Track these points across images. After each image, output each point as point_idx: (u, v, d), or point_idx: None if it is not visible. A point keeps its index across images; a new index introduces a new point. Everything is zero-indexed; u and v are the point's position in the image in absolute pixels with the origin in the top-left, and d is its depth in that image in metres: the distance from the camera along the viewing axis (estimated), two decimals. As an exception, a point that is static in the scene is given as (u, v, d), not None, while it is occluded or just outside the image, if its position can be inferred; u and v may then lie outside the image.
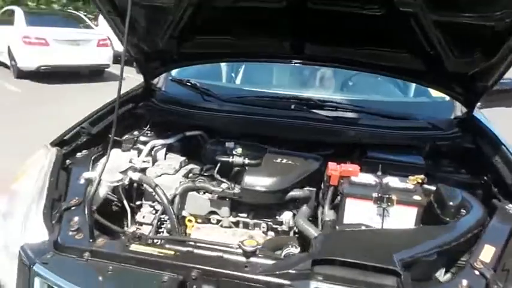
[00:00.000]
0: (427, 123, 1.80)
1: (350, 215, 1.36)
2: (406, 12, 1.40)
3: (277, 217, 1.51)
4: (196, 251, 1.15)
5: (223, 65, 2.56)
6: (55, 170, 1.41)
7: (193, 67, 2.33)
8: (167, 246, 1.16)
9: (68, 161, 1.54)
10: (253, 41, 1.72)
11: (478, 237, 1.19)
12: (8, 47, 8.34)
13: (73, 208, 1.29)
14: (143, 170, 1.61)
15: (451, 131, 1.75)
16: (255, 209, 1.53)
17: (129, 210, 1.52)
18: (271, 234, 1.52)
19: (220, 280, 1.06)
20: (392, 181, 1.42)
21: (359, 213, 1.35)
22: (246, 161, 1.61)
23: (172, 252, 1.13)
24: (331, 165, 1.47)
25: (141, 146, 1.75)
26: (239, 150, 1.63)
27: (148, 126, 1.87)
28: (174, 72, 2.28)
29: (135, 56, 1.90)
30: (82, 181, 1.42)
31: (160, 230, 1.46)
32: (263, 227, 1.52)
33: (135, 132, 1.84)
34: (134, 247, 1.14)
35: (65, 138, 1.61)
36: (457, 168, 1.68)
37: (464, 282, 1.02)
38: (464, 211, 1.35)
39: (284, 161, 1.55)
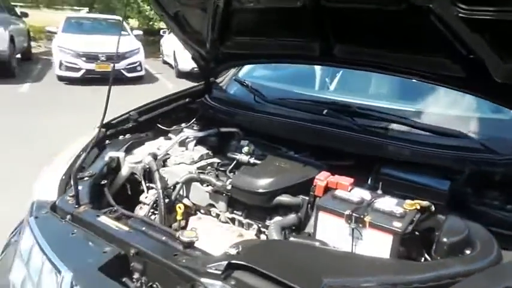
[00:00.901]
0: (480, 143, 1.47)
1: (323, 230, 1.24)
2: (423, 8, 1.20)
3: (266, 221, 1.47)
4: (149, 231, 1.23)
5: (317, 70, 2.47)
6: (88, 145, 1.67)
7: (279, 70, 2.43)
8: (129, 223, 1.28)
9: (107, 142, 1.81)
10: (282, 42, 1.69)
11: None
12: (174, 51, 9.83)
13: (86, 179, 1.52)
14: (166, 157, 1.77)
15: (507, 156, 1.40)
16: (248, 208, 1.52)
17: (145, 190, 1.69)
18: (263, 237, 1.49)
19: (147, 262, 1.12)
20: (384, 202, 1.23)
21: (331, 229, 1.22)
22: (252, 160, 1.61)
23: (127, 229, 1.23)
24: (321, 174, 1.36)
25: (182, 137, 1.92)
26: (246, 148, 1.64)
27: (193, 120, 2.03)
28: (242, 73, 2.40)
29: (192, 55, 2.09)
30: (106, 158, 1.65)
31: (156, 212, 1.58)
32: (254, 229, 1.50)
33: (183, 124, 2.03)
34: (103, 218, 1.29)
35: (113, 122, 1.88)
36: (504, 202, 1.34)
37: None
38: (468, 252, 1.09)
39: (282, 164, 1.50)
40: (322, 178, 1.34)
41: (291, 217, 1.39)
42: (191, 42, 1.98)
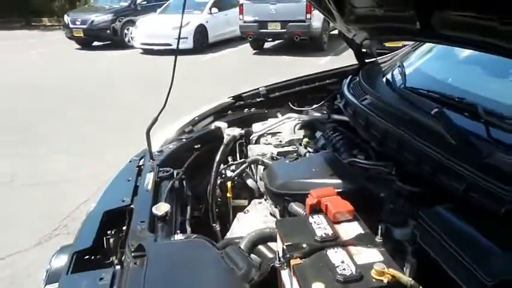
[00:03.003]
0: None
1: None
2: None
3: None
4: None
5: None
6: (207, 112, 1.87)
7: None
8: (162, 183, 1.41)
9: (229, 112, 1.94)
10: (389, 14, 1.26)
11: None
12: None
13: (183, 140, 1.74)
14: (263, 136, 1.74)
15: None
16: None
17: (238, 158, 1.74)
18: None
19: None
20: (355, 254, 0.81)
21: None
22: (307, 154, 1.36)
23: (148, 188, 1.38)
24: (321, 190, 1.01)
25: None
26: (306, 140, 1.39)
27: (321, 103, 1.85)
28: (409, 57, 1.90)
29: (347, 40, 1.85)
30: (212, 126, 1.81)
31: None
32: None
33: (313, 107, 1.90)
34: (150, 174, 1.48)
35: (243, 95, 1.99)
36: None
37: None
38: None
39: (313, 168, 1.20)
40: (315, 195, 1.00)
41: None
42: (330, 18, 1.76)
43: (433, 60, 1.69)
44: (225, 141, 1.75)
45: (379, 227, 0.88)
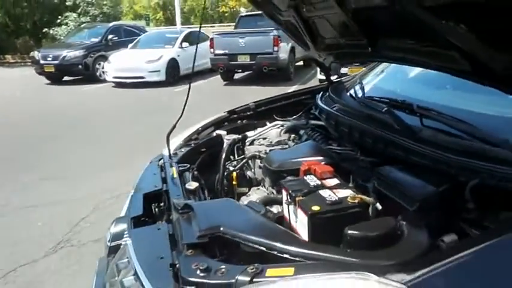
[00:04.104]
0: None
1: (284, 206, 1.40)
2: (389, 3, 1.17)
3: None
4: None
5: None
6: (209, 123, 2.31)
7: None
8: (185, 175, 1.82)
9: (225, 123, 2.39)
10: (345, 42, 1.79)
11: None
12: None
13: (192, 145, 2.16)
14: (257, 139, 2.20)
15: None
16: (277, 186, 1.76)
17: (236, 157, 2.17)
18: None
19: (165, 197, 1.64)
20: (337, 191, 1.27)
21: (285, 205, 1.36)
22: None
23: (176, 176, 1.78)
24: (311, 161, 1.48)
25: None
26: (293, 136, 1.85)
27: (300, 113, 2.34)
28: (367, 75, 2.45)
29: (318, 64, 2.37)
30: (214, 134, 2.25)
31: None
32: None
33: (294, 116, 2.38)
34: (171, 169, 1.88)
35: (236, 110, 2.46)
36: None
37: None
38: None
39: (303, 151, 1.67)
40: (306, 164, 1.46)
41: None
42: (301, 45, 2.29)
43: (385, 78, 2.24)
44: (225, 145, 2.19)
45: (350, 178, 1.35)
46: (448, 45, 1.18)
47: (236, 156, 2.16)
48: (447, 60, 1.25)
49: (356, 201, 1.20)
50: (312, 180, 1.36)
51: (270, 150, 1.98)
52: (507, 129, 1.30)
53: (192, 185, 1.60)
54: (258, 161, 1.98)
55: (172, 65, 11.58)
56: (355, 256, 1.02)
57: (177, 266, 1.13)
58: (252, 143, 2.19)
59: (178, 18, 17.06)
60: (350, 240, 1.09)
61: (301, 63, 12.82)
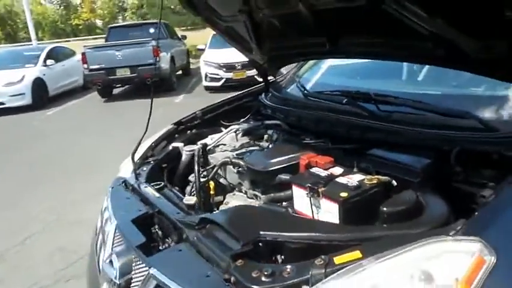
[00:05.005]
0: (480, 122, 1.44)
1: (297, 201, 1.45)
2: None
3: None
4: (171, 198, 1.65)
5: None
6: (160, 138, 2.20)
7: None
8: (164, 192, 1.72)
9: (176, 135, 2.32)
10: (302, 42, 1.92)
11: None
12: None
13: (151, 162, 2.04)
14: (217, 146, 2.18)
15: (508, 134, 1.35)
16: (264, 186, 1.79)
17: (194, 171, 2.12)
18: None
19: (161, 218, 1.54)
20: (349, 177, 1.37)
21: (301, 200, 1.42)
22: (270, 146, 1.89)
23: (158, 196, 1.68)
24: (307, 155, 1.56)
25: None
26: (266, 137, 1.92)
27: (248, 116, 2.39)
28: (303, 72, 2.64)
29: (248, 60, 2.45)
30: (169, 148, 2.16)
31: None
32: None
33: (241, 120, 2.42)
34: (147, 188, 1.76)
35: (183, 120, 2.39)
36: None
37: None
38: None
39: (286, 149, 1.74)
40: (305, 158, 1.54)
41: (283, 193, 1.62)
42: (242, 50, 2.34)
43: (325, 74, 2.45)
44: (184, 157, 2.12)
45: (354, 164, 1.47)
46: (421, 37, 1.38)
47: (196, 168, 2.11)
48: (421, 50, 1.46)
49: (375, 181, 1.32)
50: (320, 172, 1.44)
51: (238, 154, 1.99)
52: (464, 104, 1.58)
53: (191, 199, 1.53)
54: (230, 167, 1.97)
55: (39, 85, 10.33)
56: (407, 228, 1.13)
57: (233, 279, 1.10)
58: (213, 151, 2.16)
59: (32, 34, 15.24)
60: (386, 217, 1.21)
61: (179, 72, 12.73)
